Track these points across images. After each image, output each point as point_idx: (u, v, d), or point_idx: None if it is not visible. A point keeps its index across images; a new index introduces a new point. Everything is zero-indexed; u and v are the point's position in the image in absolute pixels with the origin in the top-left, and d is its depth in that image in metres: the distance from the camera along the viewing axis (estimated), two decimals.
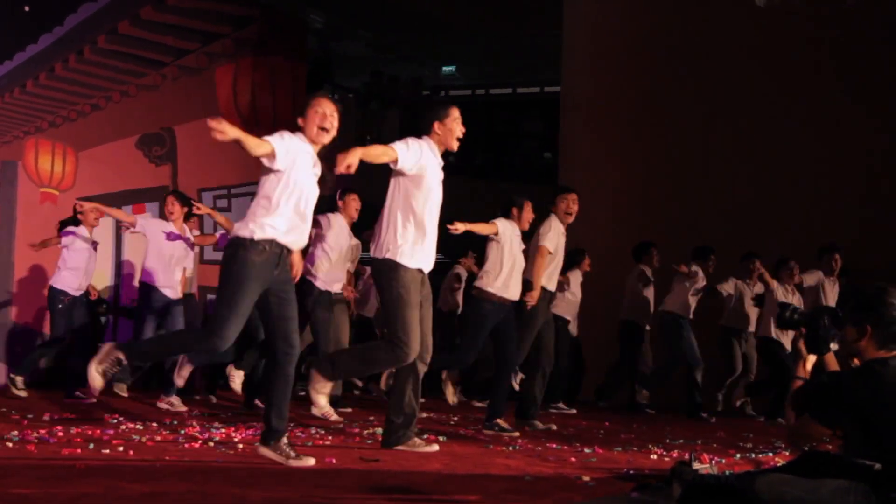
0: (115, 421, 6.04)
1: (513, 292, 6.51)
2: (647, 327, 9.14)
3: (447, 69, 19.61)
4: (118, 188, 9.23)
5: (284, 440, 4.52)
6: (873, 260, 8.51)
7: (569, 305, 8.90)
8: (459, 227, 6.08)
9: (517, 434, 6.38)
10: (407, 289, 4.92)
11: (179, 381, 6.94)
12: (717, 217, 9.88)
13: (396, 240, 4.96)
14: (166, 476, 4.05)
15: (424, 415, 7.40)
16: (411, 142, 4.98)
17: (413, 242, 4.98)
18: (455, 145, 5.13)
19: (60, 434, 5.27)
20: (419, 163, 4.92)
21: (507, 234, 6.52)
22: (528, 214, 6.70)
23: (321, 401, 5.13)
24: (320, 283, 7.09)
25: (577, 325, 9.32)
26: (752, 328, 8.88)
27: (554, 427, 6.91)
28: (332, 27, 15.90)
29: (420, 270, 5.03)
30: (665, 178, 10.54)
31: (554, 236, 6.81)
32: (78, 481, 3.85)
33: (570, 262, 8.75)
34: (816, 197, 9.48)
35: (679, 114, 10.56)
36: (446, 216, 6.68)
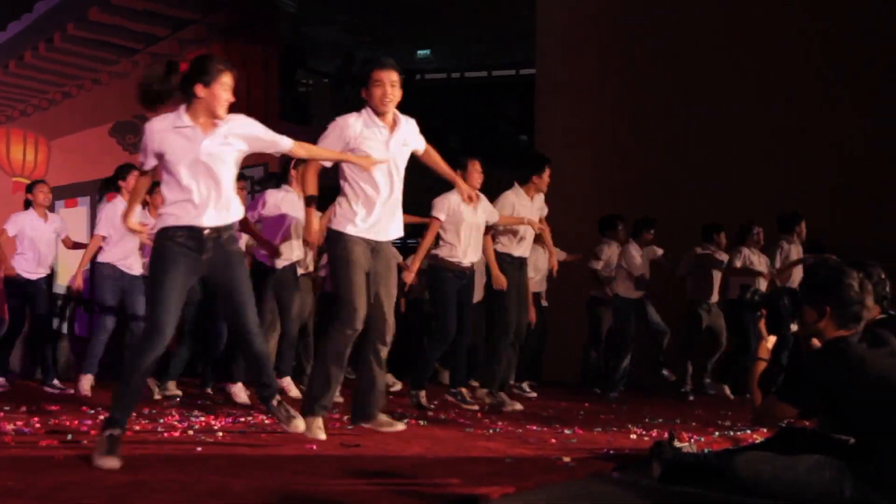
0: (93, 412, 6.00)
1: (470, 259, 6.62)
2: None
3: (422, 53, 19.52)
4: (91, 177, 9.14)
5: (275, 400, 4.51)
6: (853, 242, 8.59)
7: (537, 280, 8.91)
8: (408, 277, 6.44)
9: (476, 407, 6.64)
10: (349, 249, 4.92)
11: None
12: (697, 199, 9.92)
13: (345, 210, 4.99)
14: (147, 465, 4.04)
15: (406, 399, 7.42)
16: (329, 128, 5.03)
17: (360, 213, 4.96)
18: (382, 109, 4.99)
19: (38, 425, 5.24)
20: (341, 144, 4.94)
21: (452, 209, 6.57)
22: (474, 172, 6.64)
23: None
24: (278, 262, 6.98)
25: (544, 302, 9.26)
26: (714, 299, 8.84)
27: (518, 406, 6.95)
28: (306, 11, 15.80)
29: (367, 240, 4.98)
30: (643, 160, 10.57)
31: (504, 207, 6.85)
32: (58, 472, 3.84)
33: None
34: (798, 180, 9.52)
35: (657, 95, 10.58)
36: (425, 200, 6.72)
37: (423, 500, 3.42)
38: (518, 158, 7.35)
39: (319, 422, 4.93)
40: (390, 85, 4.96)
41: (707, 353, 8.88)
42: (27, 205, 7.68)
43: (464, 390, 6.79)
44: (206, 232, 4.26)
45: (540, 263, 8.74)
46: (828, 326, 3.65)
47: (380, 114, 5.00)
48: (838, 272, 3.65)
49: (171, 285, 4.20)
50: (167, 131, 4.26)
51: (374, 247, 5.00)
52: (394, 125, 5.05)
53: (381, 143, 4.99)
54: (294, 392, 6.99)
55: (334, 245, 4.99)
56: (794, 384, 3.67)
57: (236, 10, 10.64)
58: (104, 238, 7.13)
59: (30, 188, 7.74)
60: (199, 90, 4.27)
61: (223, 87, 4.31)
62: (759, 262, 8.55)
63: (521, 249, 6.95)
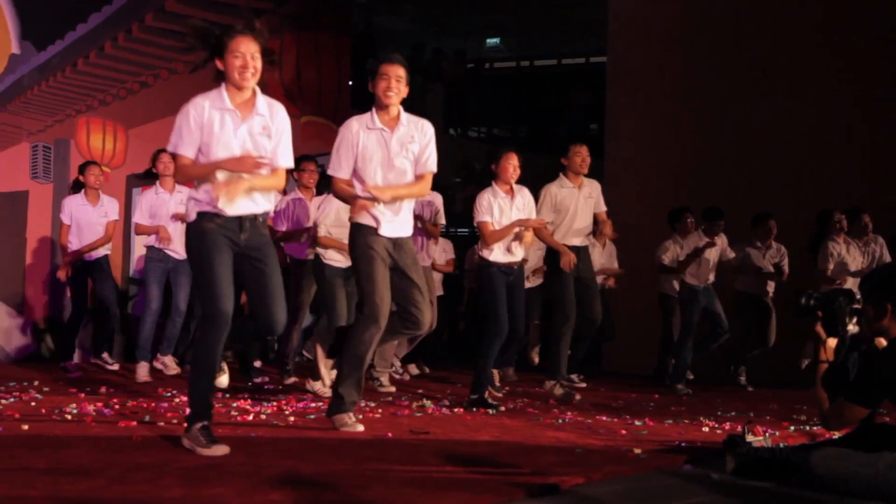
0: (169, 394, 6.13)
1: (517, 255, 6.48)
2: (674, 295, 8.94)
3: (491, 42, 19.47)
4: None
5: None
6: None
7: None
8: None
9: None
10: (367, 244, 4.85)
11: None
12: (770, 186, 9.72)
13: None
14: None
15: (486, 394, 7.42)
16: (335, 147, 4.95)
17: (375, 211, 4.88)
18: (384, 101, 4.86)
19: (117, 407, 5.37)
20: (352, 158, 4.88)
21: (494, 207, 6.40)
22: (507, 166, 6.39)
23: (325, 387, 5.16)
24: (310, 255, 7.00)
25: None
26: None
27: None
28: (375, 1, 15.87)
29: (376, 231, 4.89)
30: (715, 147, 10.39)
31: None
32: (135, 452, 3.93)
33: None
34: (871, 165, 9.27)
35: (729, 81, 10.37)
36: None
37: (493, 487, 3.42)
38: (587, 147, 7.14)
39: (352, 416, 4.90)
40: (395, 79, 4.84)
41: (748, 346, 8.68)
42: (78, 187, 7.69)
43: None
44: (245, 217, 4.22)
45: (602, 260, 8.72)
46: (892, 324, 3.60)
47: (382, 107, 4.88)
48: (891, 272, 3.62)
49: (221, 268, 4.16)
50: (209, 111, 4.21)
51: (396, 242, 4.93)
52: (395, 124, 4.91)
53: (380, 146, 4.87)
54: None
55: (354, 240, 4.93)
56: (863, 385, 3.61)
57: (309, 0, 10.72)
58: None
59: (82, 169, 7.67)
60: (218, 63, 4.25)
61: (233, 56, 4.19)
62: (857, 254, 8.22)
63: (574, 238, 6.85)
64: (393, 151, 4.86)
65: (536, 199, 6.72)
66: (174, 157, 4.29)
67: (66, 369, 7.35)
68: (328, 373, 5.13)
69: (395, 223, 4.91)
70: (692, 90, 10.66)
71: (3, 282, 8.46)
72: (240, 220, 4.20)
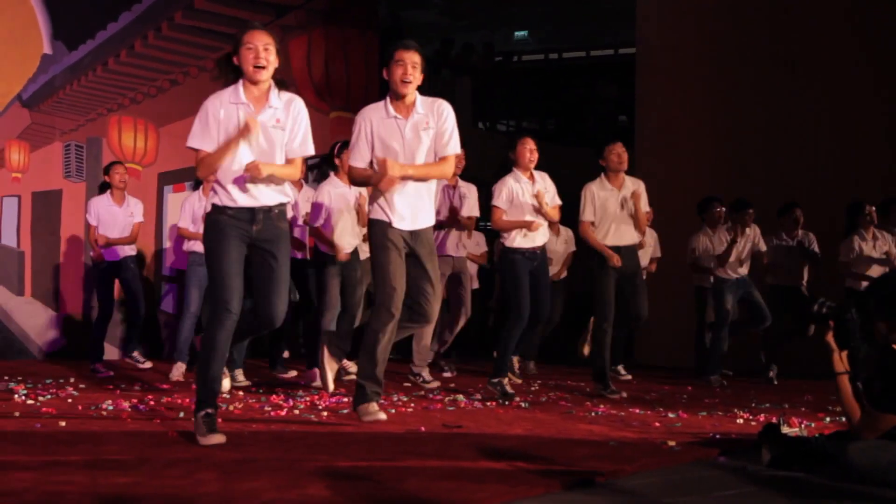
0: None
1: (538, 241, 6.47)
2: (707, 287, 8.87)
3: (519, 34, 19.42)
4: None
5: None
6: None
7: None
8: None
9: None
10: (378, 233, 4.84)
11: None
12: (801, 177, 9.62)
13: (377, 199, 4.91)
14: (254, 443, 4.14)
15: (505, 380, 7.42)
16: (352, 139, 4.94)
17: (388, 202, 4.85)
18: (401, 90, 4.82)
19: (152, 403, 5.42)
20: (369, 146, 4.87)
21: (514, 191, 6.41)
22: (524, 150, 6.41)
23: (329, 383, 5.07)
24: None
25: None
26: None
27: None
28: None
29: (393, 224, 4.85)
30: (746, 138, 10.29)
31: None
32: (170, 448, 3.96)
33: None
34: None
35: (760, 72, 10.28)
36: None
37: (528, 480, 3.41)
38: (616, 140, 7.09)
39: (375, 406, 4.86)
40: (412, 66, 4.79)
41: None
42: (105, 187, 7.68)
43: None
44: (258, 209, 4.28)
45: (558, 247, 8.69)
46: None
47: (398, 96, 4.84)
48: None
49: (229, 260, 4.21)
50: (224, 106, 4.29)
51: (413, 233, 4.88)
52: (410, 111, 4.85)
53: (397, 132, 4.83)
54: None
55: (370, 232, 4.92)
56: (891, 392, 3.58)
57: None
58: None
59: (107, 169, 7.67)
60: (235, 60, 4.32)
61: (246, 48, 4.25)
62: (879, 244, 8.12)
63: (614, 237, 6.76)
64: (407, 139, 4.82)
65: (573, 193, 6.71)
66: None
67: (97, 370, 7.37)
68: (332, 376, 5.07)
69: (413, 215, 4.86)
70: (722, 81, 10.57)
71: (37, 279, 8.56)
72: (252, 212, 4.25)
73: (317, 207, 6.82)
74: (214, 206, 4.28)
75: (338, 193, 6.79)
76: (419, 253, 4.87)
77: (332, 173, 6.97)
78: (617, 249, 6.72)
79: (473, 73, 14.50)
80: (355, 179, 5.06)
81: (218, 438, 4.08)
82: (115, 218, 7.55)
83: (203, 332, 4.34)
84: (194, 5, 9.42)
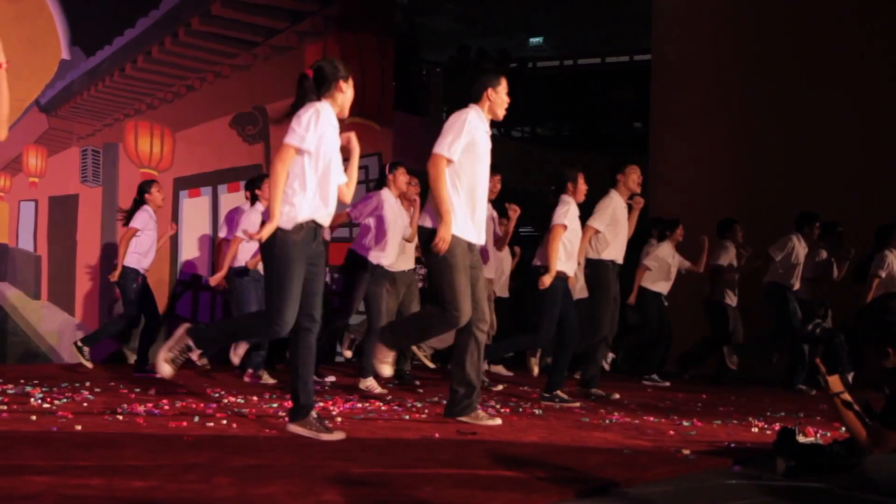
0: (218, 395, 6.19)
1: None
2: (732, 303, 8.92)
3: (534, 41, 19.42)
4: (213, 167, 9.44)
5: (313, 414, 4.56)
6: None
7: (658, 276, 8.78)
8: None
9: (577, 404, 6.45)
10: (453, 253, 4.97)
11: (235, 360, 7.12)
12: (818, 185, 9.59)
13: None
14: (269, 449, 4.15)
15: (521, 388, 7.42)
16: (455, 129, 5.03)
17: (464, 214, 5.03)
18: (501, 115, 5.21)
19: (167, 407, 5.44)
20: (468, 139, 5.02)
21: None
22: (583, 187, 6.60)
23: (385, 370, 5.22)
24: (372, 257, 7.05)
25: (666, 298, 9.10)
26: None
27: (616, 395, 6.94)
28: (418, 1, 15.90)
29: (469, 242, 5.10)
30: (762, 145, 10.27)
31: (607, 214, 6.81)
32: (185, 453, 3.97)
33: (661, 233, 8.72)
34: None
35: (776, 79, 10.26)
36: (542, 188, 6.69)
37: (542, 488, 3.41)
38: (631, 146, 7.21)
39: (480, 412, 5.23)
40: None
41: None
42: (140, 203, 7.74)
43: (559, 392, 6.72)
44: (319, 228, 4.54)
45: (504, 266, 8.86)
46: None
47: (495, 118, 5.24)
48: (883, 311, 3.66)
49: (297, 282, 4.43)
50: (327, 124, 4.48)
51: (472, 247, 5.15)
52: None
53: (487, 143, 5.19)
54: (378, 390, 7.01)
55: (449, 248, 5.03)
56: None
57: (352, 1, 10.77)
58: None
59: (147, 188, 7.80)
60: (343, 86, 4.56)
61: (350, 87, 4.60)
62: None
63: (618, 254, 6.87)
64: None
65: (588, 200, 6.75)
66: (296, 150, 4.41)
67: (149, 371, 7.42)
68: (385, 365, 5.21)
69: (479, 231, 5.15)
70: (738, 88, 10.56)
71: (54, 283, 8.60)
72: (316, 230, 4.47)
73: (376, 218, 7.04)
74: (296, 223, 4.38)
75: (391, 207, 7.09)
76: (476, 267, 5.16)
77: (385, 188, 7.15)
78: (619, 267, 6.92)
79: None
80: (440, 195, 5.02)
81: (339, 434, 4.42)
82: (154, 230, 7.82)
83: (240, 321, 4.80)
84: (211, 11, 9.47)
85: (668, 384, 8.50)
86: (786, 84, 10.17)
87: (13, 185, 8.45)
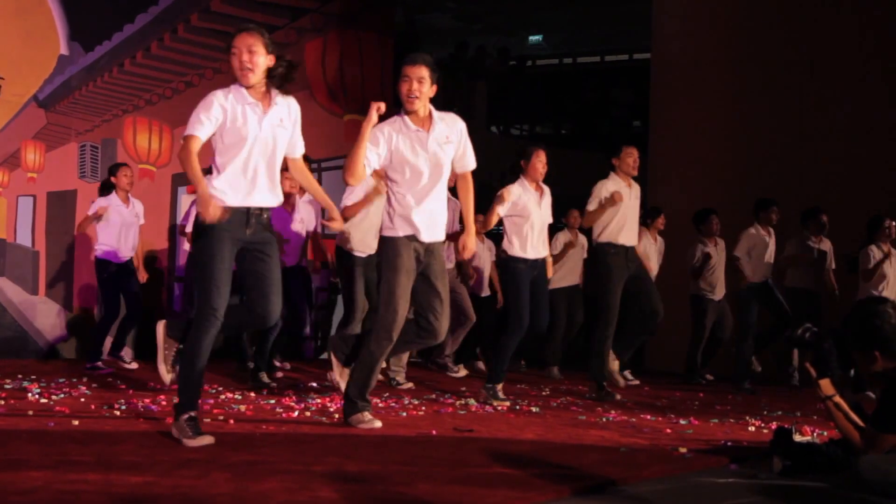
0: (215, 391, 6.19)
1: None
2: (716, 298, 8.85)
3: (534, 39, 19.40)
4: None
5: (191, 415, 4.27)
6: None
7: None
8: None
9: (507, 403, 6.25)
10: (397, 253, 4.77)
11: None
12: (818, 183, 9.59)
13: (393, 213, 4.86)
14: (266, 445, 4.15)
15: (518, 386, 7.42)
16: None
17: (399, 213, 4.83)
18: (407, 106, 4.77)
19: (164, 403, 5.44)
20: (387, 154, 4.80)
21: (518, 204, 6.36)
22: (538, 165, 6.37)
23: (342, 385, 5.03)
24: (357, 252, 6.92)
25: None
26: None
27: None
28: None
29: (411, 238, 4.80)
30: (761, 144, 10.26)
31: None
32: (182, 448, 3.98)
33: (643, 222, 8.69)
34: None
35: (776, 77, 10.25)
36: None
37: (538, 486, 3.42)
38: (630, 144, 7.10)
39: (367, 414, 4.83)
40: (417, 81, 4.72)
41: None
42: (107, 188, 7.64)
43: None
44: (253, 211, 4.28)
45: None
46: (886, 365, 3.64)
47: (408, 112, 4.80)
48: (870, 315, 3.67)
49: (221, 265, 4.19)
50: (231, 103, 4.27)
51: (429, 248, 4.84)
52: (429, 124, 4.81)
53: (420, 145, 4.79)
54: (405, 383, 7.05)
55: (382, 248, 4.87)
56: (890, 413, 3.61)
57: None
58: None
59: (113, 171, 7.68)
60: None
61: (234, 52, 4.25)
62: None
63: (625, 237, 6.78)
64: (431, 152, 4.79)
65: (586, 198, 6.73)
66: (186, 138, 4.25)
67: (97, 368, 7.37)
68: (343, 381, 5.02)
69: (430, 227, 4.84)
70: (738, 87, 10.55)
71: (52, 278, 8.60)
72: (247, 214, 4.25)
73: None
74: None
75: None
76: (431, 271, 4.85)
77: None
78: (626, 250, 6.74)
79: (488, 77, 14.50)
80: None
81: (207, 439, 4.08)
82: (123, 218, 7.62)
83: (186, 337, 4.27)
84: (210, 7, 9.46)
85: (637, 382, 8.38)
86: (786, 83, 10.15)
87: (11, 180, 8.44)
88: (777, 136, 10.15)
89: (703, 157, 10.66)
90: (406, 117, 4.81)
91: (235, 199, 4.23)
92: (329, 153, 9.89)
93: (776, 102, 10.19)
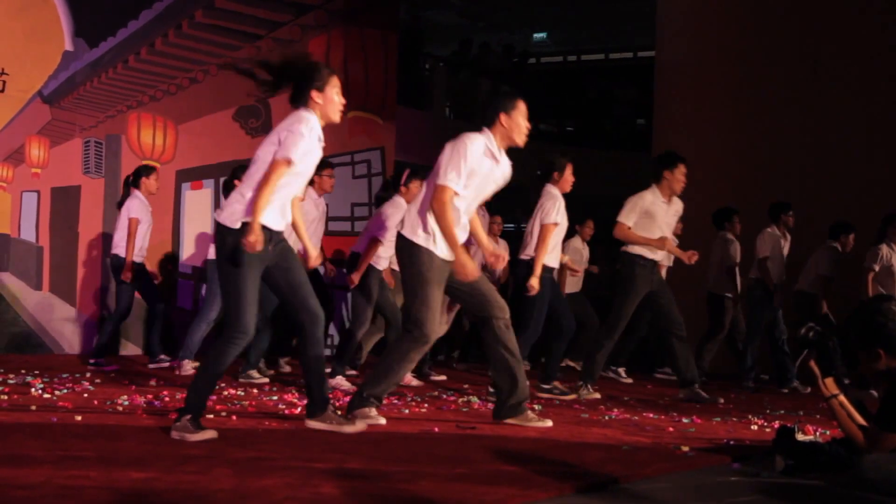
0: (218, 387, 6.19)
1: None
2: (730, 295, 8.81)
3: (538, 36, 19.40)
4: (216, 160, 9.43)
5: (330, 408, 4.53)
6: None
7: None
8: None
9: (573, 397, 6.61)
10: (428, 267, 4.77)
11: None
12: (819, 181, 9.58)
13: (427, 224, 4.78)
14: (268, 441, 4.15)
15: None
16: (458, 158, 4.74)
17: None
18: (520, 141, 4.86)
19: (167, 399, 5.45)
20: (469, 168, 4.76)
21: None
22: (570, 177, 6.51)
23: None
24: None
25: None
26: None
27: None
28: None
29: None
30: (765, 142, 10.26)
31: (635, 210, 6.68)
32: (184, 444, 3.98)
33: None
34: None
35: (781, 76, 10.24)
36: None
37: (541, 483, 3.41)
38: (634, 142, 7.13)
39: (373, 410, 4.84)
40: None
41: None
42: (131, 185, 7.67)
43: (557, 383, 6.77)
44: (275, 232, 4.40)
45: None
46: (890, 362, 3.63)
47: (510, 144, 4.89)
48: (872, 313, 3.67)
49: (253, 284, 4.29)
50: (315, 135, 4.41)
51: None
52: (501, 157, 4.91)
53: (493, 175, 4.89)
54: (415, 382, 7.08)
55: (416, 257, 4.82)
56: (894, 412, 3.62)
57: None
58: None
59: (147, 172, 7.70)
60: (315, 95, 4.43)
61: (331, 91, 4.46)
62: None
63: (655, 253, 6.70)
64: (498, 185, 4.99)
65: (590, 196, 6.76)
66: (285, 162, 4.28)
67: (100, 364, 7.37)
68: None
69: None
70: (743, 84, 10.54)
71: (56, 274, 8.60)
72: (271, 234, 4.34)
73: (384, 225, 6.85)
74: (245, 223, 4.20)
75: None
76: (449, 281, 4.93)
77: (396, 195, 6.95)
78: (653, 264, 6.74)
79: (492, 74, 14.49)
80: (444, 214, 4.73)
81: (209, 433, 4.12)
82: (149, 217, 7.71)
83: (214, 347, 4.31)
84: (215, 4, 9.45)
85: (630, 380, 8.41)
86: (790, 80, 10.15)
87: (15, 175, 8.45)
88: (781, 134, 10.14)
89: (707, 156, 10.65)
90: (492, 141, 4.83)
91: (275, 226, 4.38)
92: (332, 150, 9.87)
93: (780, 100, 10.18)
